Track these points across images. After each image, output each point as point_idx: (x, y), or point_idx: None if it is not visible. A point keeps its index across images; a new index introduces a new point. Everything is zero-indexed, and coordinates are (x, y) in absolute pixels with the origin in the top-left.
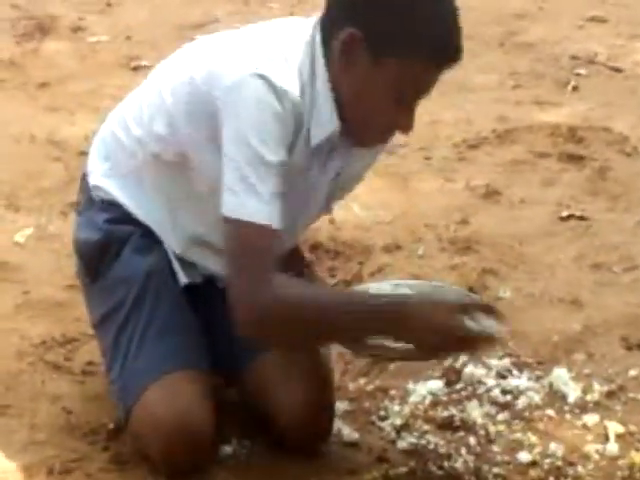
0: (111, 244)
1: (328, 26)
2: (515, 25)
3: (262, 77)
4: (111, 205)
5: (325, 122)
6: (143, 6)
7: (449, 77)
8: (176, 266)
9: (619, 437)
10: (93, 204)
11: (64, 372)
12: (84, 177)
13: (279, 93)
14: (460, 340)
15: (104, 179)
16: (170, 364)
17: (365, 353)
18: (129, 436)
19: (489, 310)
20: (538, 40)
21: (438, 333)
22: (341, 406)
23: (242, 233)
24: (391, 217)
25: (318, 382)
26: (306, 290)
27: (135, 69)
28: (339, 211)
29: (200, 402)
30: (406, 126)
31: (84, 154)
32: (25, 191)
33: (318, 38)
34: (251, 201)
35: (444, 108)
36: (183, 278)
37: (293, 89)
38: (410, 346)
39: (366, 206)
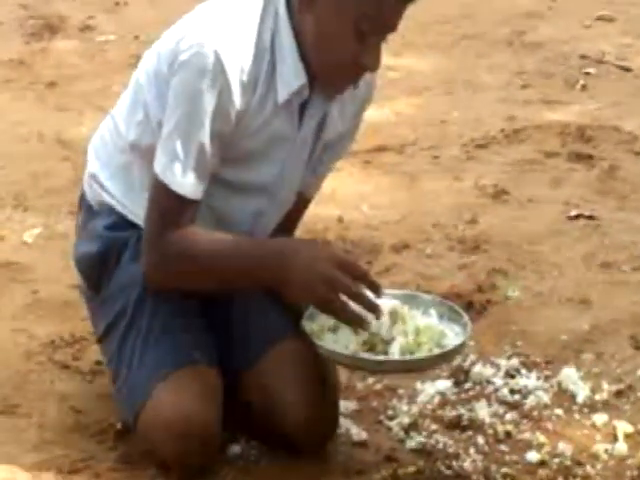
0: (110, 253)
1: None
2: (524, 25)
3: (207, 53)
4: (104, 209)
5: (291, 78)
6: (151, 5)
7: (458, 76)
8: None
9: (628, 437)
10: (89, 215)
11: (73, 371)
12: (82, 196)
13: (221, 67)
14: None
15: (95, 179)
16: (174, 362)
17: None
18: (138, 438)
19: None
20: (547, 39)
21: (321, 258)
22: (349, 405)
23: (161, 194)
24: (399, 216)
25: (319, 382)
26: (203, 240)
27: None
28: (347, 210)
29: (207, 400)
30: (372, 64)
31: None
32: (33, 191)
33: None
34: (175, 170)
35: (453, 107)
36: None
37: (242, 59)
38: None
39: (374, 205)
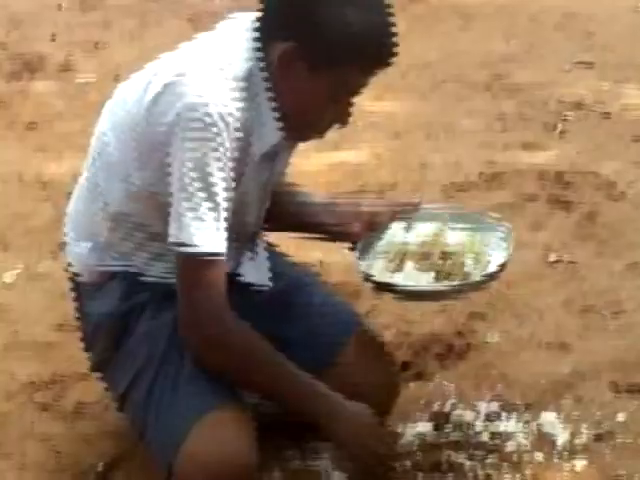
0: (130, 314)
1: (263, 35)
2: (502, 68)
3: (204, 107)
4: (112, 279)
5: (268, 134)
6: (132, 45)
7: (437, 120)
8: None
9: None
10: (93, 289)
11: (53, 412)
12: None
13: (223, 121)
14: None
15: (96, 254)
16: (207, 404)
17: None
18: None
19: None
20: (525, 84)
21: (364, 441)
22: (330, 447)
23: (193, 265)
24: None
25: (393, 366)
26: (259, 344)
27: None
28: (328, 254)
29: (245, 440)
30: (344, 121)
31: (72, 194)
32: (14, 231)
33: (254, 44)
34: (201, 232)
35: (432, 151)
36: None
37: (235, 113)
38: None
39: None
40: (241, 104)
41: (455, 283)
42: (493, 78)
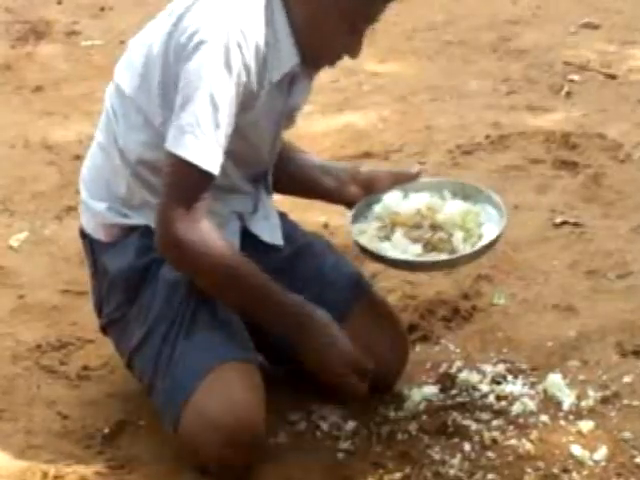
0: (149, 265)
1: None
2: (508, 31)
3: (227, 26)
4: (130, 233)
5: (285, 59)
6: (136, 10)
7: (443, 83)
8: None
9: (614, 443)
10: (111, 245)
11: (59, 376)
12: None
13: (240, 47)
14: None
15: (114, 211)
16: (217, 358)
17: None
18: (179, 439)
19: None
20: (531, 46)
21: (338, 358)
22: (336, 412)
23: (184, 171)
24: None
25: (403, 332)
26: (229, 251)
27: None
28: (333, 217)
29: (253, 395)
30: (356, 51)
31: (78, 158)
32: (19, 195)
33: None
34: (199, 145)
35: (438, 114)
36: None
37: (257, 39)
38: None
39: None
40: (259, 28)
41: (439, 258)
42: (499, 40)
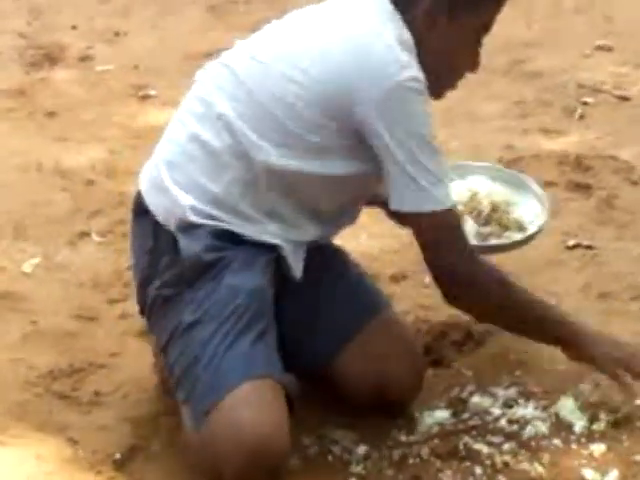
0: (216, 262)
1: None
2: (522, 54)
3: (405, 81)
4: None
5: None
6: (151, 35)
7: (456, 106)
8: (291, 260)
9: (626, 466)
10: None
11: (71, 402)
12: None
13: (421, 86)
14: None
15: (191, 216)
16: (258, 370)
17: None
18: (198, 439)
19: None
20: (545, 69)
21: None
22: (348, 435)
23: (441, 220)
24: (398, 246)
25: (417, 351)
26: (508, 282)
27: (143, 98)
28: (347, 240)
29: (283, 417)
30: (475, 65)
31: (91, 183)
32: (32, 220)
33: (391, 7)
34: (439, 191)
35: (452, 137)
36: (299, 272)
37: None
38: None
39: (373, 235)
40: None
41: (521, 236)
42: (513, 63)
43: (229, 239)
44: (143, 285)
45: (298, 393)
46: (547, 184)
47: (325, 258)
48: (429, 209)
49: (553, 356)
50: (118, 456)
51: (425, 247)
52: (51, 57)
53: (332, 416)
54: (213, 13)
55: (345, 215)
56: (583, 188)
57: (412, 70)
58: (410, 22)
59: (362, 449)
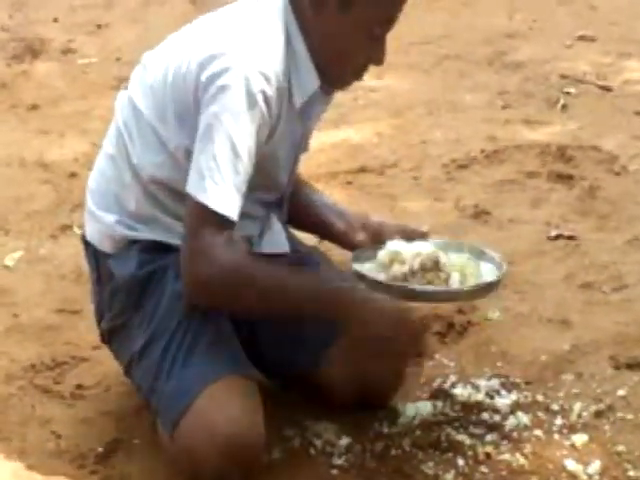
0: (152, 275)
1: None
2: (504, 45)
3: (248, 69)
4: (136, 242)
5: (306, 84)
6: (133, 27)
7: (439, 97)
8: None
9: (608, 456)
10: (116, 253)
11: (53, 396)
12: (87, 243)
13: (264, 80)
14: (412, 328)
15: (121, 225)
16: (222, 370)
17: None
18: (174, 450)
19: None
20: (527, 59)
21: (390, 320)
22: (329, 427)
23: (204, 215)
24: None
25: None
26: (257, 261)
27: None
28: None
29: (253, 409)
30: (380, 59)
31: (74, 176)
32: (14, 214)
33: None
34: (217, 190)
35: (433, 128)
36: None
37: (276, 67)
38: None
39: None
40: (281, 61)
41: (436, 288)
42: (495, 54)
43: (158, 250)
44: (97, 315)
45: (267, 384)
46: (529, 175)
47: (302, 254)
48: (198, 197)
49: (535, 347)
50: (100, 449)
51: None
52: (33, 50)
53: (314, 409)
54: (195, 5)
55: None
56: (565, 179)
57: (253, 69)
58: (300, 9)
59: (344, 441)
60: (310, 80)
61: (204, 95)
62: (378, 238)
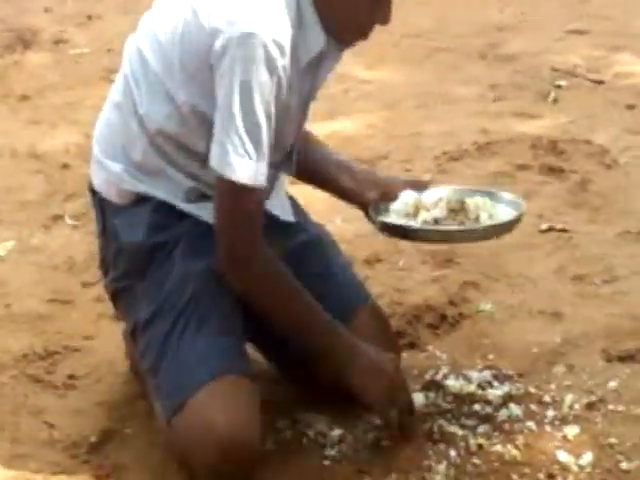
0: (161, 245)
1: None
2: (496, 37)
3: (260, 35)
4: (145, 202)
5: (312, 42)
6: (124, 18)
7: (431, 89)
8: None
9: (599, 448)
10: (122, 209)
11: (46, 385)
12: (94, 192)
13: (278, 49)
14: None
15: (128, 174)
16: (227, 366)
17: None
18: (171, 436)
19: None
20: (519, 52)
21: (383, 378)
22: (321, 418)
23: (232, 192)
24: (372, 229)
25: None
26: (288, 278)
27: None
28: (321, 223)
29: (252, 411)
30: (385, 18)
31: (65, 167)
32: (6, 205)
33: None
34: (242, 161)
35: (425, 120)
36: None
37: (287, 33)
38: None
39: (347, 219)
40: (289, 20)
41: (471, 227)
42: (487, 47)
43: (168, 216)
44: (102, 268)
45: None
46: (521, 167)
47: (312, 235)
48: (225, 174)
49: (527, 339)
50: (93, 439)
51: (217, 214)
52: (24, 40)
53: (306, 400)
54: None
55: None
56: (557, 172)
57: (264, 29)
58: None
59: (336, 432)
60: (315, 40)
61: (219, 64)
62: (388, 194)
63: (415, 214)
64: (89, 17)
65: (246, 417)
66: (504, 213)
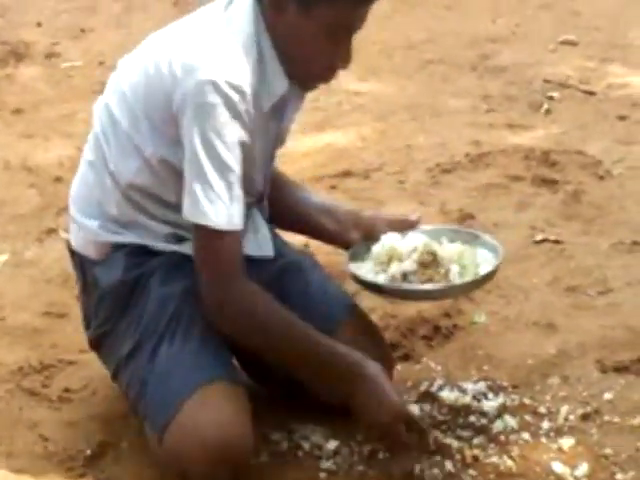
0: (138, 280)
1: None
2: (488, 49)
3: (218, 81)
4: (120, 250)
5: (275, 87)
6: (116, 32)
7: (423, 101)
8: None
9: (595, 459)
10: (102, 260)
11: (41, 399)
12: (73, 253)
13: (238, 94)
14: (404, 419)
15: (105, 229)
16: (210, 374)
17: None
18: (163, 453)
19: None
20: (511, 64)
21: (387, 409)
22: (317, 430)
23: (209, 239)
24: None
25: (387, 347)
26: (279, 311)
27: None
28: None
29: (243, 417)
30: (345, 61)
31: (59, 180)
32: (0, 217)
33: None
34: (214, 207)
35: (418, 132)
36: None
37: (247, 78)
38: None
39: None
40: (249, 65)
41: (437, 286)
42: (479, 58)
43: (144, 254)
44: (85, 322)
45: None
46: (514, 179)
47: (290, 260)
48: (198, 222)
49: (521, 351)
50: (89, 452)
51: (198, 262)
52: (17, 54)
53: (301, 412)
54: (179, 8)
55: None
56: (550, 183)
57: (223, 76)
58: (264, 10)
59: (332, 444)
60: (277, 84)
61: (182, 113)
62: (371, 235)
63: (389, 263)
64: (82, 30)
65: (237, 422)
66: (483, 259)
